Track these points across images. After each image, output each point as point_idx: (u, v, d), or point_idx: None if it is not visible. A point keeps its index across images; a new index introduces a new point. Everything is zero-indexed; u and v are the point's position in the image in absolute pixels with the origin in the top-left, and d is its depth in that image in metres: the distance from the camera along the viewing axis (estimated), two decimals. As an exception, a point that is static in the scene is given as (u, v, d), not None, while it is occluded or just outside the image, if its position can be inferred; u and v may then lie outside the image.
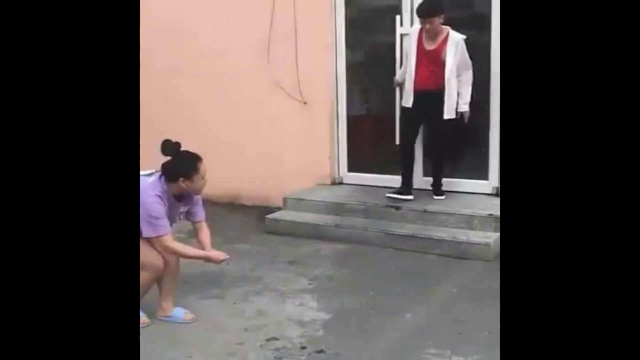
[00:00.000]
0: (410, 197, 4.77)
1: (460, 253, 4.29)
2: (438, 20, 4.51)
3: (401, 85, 4.94)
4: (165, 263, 3.21)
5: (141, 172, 3.13)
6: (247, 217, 5.58)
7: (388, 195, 4.79)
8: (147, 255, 3.12)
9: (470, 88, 4.65)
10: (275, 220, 5.13)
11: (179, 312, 3.35)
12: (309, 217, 5.03)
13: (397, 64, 5.13)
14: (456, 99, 4.62)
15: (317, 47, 5.45)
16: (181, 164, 3.10)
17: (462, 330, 3.17)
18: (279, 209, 5.40)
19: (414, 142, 4.87)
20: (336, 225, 4.80)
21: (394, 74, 5.11)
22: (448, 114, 4.60)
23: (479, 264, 4.15)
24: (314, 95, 5.55)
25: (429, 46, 4.63)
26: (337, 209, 4.99)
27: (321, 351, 2.99)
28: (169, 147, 3.12)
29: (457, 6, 5.26)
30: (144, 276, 3.11)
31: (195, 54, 6.06)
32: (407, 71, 4.78)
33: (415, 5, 5.01)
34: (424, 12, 4.54)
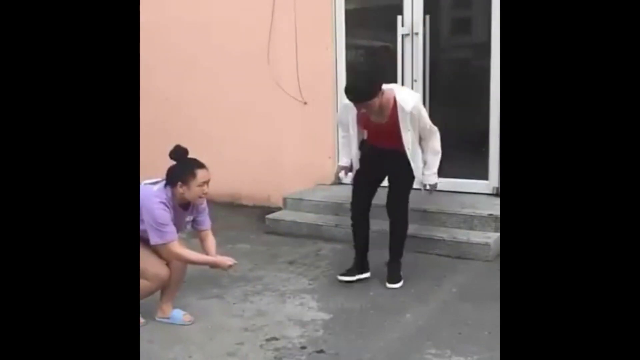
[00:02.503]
0: (367, 274, 3.88)
1: (460, 253, 4.29)
2: (377, 99, 3.41)
3: (349, 168, 3.94)
4: (172, 269, 3.21)
5: (147, 181, 3.13)
6: (247, 217, 5.59)
7: (339, 279, 3.83)
8: (153, 265, 3.12)
9: (439, 156, 3.73)
10: (275, 220, 5.14)
11: (178, 314, 3.34)
12: (309, 217, 5.03)
13: (398, 68, 5.11)
14: (421, 166, 3.75)
15: (317, 47, 5.45)
16: (180, 168, 3.10)
17: (462, 330, 3.17)
18: (279, 209, 5.40)
19: (367, 211, 3.83)
20: (336, 225, 4.79)
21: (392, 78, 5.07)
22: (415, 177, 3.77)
23: (479, 264, 4.15)
24: (314, 95, 5.55)
25: (378, 119, 3.57)
26: (337, 209, 4.99)
27: (321, 351, 2.99)
28: (177, 152, 3.13)
29: (457, 6, 5.26)
30: (146, 285, 3.11)
31: (195, 55, 6.07)
32: (352, 151, 3.80)
33: (417, 5, 5.03)
34: (355, 99, 3.44)
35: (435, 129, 3.70)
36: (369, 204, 3.83)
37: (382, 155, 3.71)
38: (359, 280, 3.83)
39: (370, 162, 3.78)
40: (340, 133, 3.96)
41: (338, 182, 5.38)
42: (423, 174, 3.78)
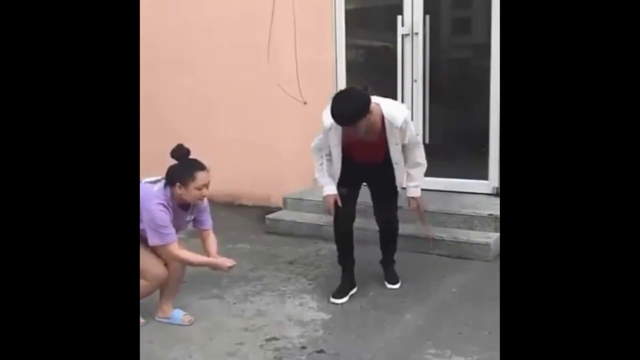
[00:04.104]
0: (355, 289, 3.70)
1: (460, 253, 4.29)
2: (365, 119, 3.16)
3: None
4: (170, 269, 3.21)
5: (147, 179, 3.12)
6: (247, 217, 5.59)
7: (332, 301, 3.59)
8: (151, 265, 3.12)
9: (424, 168, 3.58)
10: (275, 220, 5.14)
11: (178, 314, 3.34)
12: (309, 217, 5.03)
13: (398, 68, 5.11)
14: (403, 177, 3.57)
15: (317, 47, 5.45)
16: (180, 169, 3.09)
17: (462, 330, 3.17)
18: (279, 209, 5.41)
19: (353, 222, 3.66)
20: (336, 225, 4.79)
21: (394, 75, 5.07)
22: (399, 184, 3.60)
23: (479, 264, 4.15)
24: (314, 95, 5.54)
25: (366, 137, 3.30)
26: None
27: (321, 351, 2.99)
28: (178, 151, 3.11)
29: (457, 6, 5.26)
30: (145, 285, 3.11)
31: (195, 55, 6.07)
32: (337, 174, 3.50)
33: (417, 5, 5.03)
34: (346, 121, 3.17)
35: (419, 140, 3.55)
36: (355, 213, 3.66)
37: (363, 169, 3.53)
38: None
39: (350, 175, 3.52)
40: (318, 160, 3.55)
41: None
42: (407, 186, 3.62)
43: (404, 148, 3.45)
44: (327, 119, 3.27)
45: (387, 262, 3.86)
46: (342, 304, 3.58)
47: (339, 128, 3.27)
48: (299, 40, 5.47)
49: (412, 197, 3.65)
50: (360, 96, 3.18)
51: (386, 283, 3.81)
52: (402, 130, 3.32)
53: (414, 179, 3.60)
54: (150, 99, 5.65)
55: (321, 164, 3.54)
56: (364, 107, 3.13)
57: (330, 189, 3.52)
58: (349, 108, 3.12)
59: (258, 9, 5.62)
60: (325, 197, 3.55)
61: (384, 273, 3.85)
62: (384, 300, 3.60)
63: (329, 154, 3.48)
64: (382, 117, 3.29)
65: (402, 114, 3.33)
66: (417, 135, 3.49)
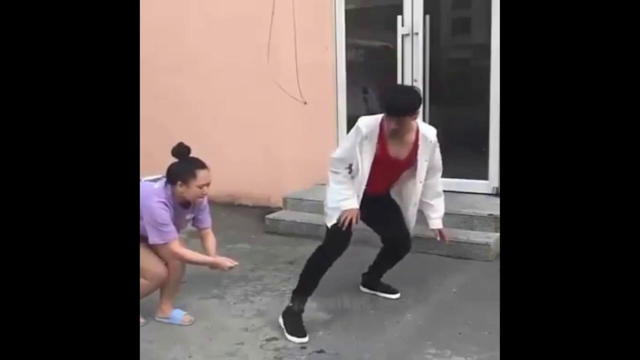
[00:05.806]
0: (305, 339, 3.13)
1: (460, 253, 4.29)
2: (412, 118, 3.11)
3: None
4: (170, 268, 3.21)
5: (148, 177, 3.12)
6: (247, 217, 5.60)
7: (295, 341, 3.13)
8: (151, 264, 3.12)
9: (442, 198, 3.49)
10: (275, 220, 5.15)
11: (178, 314, 3.34)
12: (309, 217, 5.03)
13: (398, 68, 5.11)
14: (415, 211, 3.46)
15: (317, 47, 5.45)
16: (181, 167, 3.09)
17: (462, 330, 3.18)
18: (279, 209, 5.41)
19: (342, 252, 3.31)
20: (336, 225, 4.79)
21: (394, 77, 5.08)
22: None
23: (479, 264, 4.15)
24: (314, 95, 5.55)
25: (398, 153, 3.21)
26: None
27: (321, 351, 2.99)
28: (179, 150, 3.11)
29: (457, 6, 5.27)
30: (145, 284, 3.11)
31: (195, 54, 6.07)
32: (361, 192, 3.25)
33: (417, 5, 5.03)
34: (400, 110, 3.04)
35: (441, 165, 3.44)
36: (346, 243, 3.33)
37: (373, 202, 3.34)
38: (351, 285, 3.77)
39: (363, 202, 3.31)
40: (340, 172, 3.25)
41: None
42: (430, 217, 3.48)
43: (426, 174, 3.35)
44: (365, 127, 3.17)
45: (380, 275, 3.70)
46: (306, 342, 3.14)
47: (374, 137, 3.16)
48: (299, 40, 5.47)
49: (438, 229, 3.50)
50: (416, 91, 3.20)
51: (389, 295, 3.66)
52: (433, 148, 3.28)
53: (436, 210, 3.47)
54: (150, 99, 5.65)
55: (344, 176, 3.26)
56: (419, 102, 3.12)
57: (353, 202, 3.22)
58: (408, 97, 3.10)
59: (258, 8, 5.62)
60: (346, 211, 3.18)
61: (380, 288, 3.70)
62: (384, 300, 3.61)
63: (348, 168, 3.27)
64: (417, 131, 3.22)
65: (434, 130, 3.32)
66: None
